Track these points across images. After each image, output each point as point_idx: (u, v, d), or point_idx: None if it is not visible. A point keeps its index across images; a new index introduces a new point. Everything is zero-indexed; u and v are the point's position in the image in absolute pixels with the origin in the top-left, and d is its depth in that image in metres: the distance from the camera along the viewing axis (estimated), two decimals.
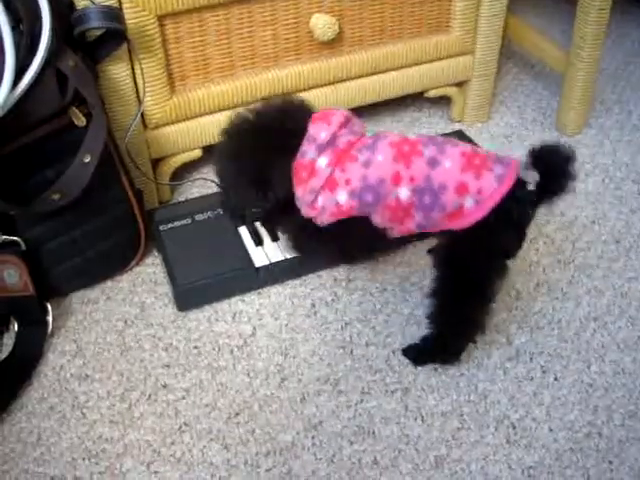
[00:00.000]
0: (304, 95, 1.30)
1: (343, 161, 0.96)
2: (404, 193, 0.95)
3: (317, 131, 0.97)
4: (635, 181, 1.39)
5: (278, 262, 1.16)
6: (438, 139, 0.98)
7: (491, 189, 0.92)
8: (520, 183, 0.93)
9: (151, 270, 1.20)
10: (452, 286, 0.99)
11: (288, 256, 1.16)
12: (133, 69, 1.16)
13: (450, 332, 1.03)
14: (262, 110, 1.01)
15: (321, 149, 0.96)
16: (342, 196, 0.96)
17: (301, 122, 0.99)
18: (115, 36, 1.08)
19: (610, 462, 0.93)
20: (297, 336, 1.09)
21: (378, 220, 0.99)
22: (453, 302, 1.00)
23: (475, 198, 0.92)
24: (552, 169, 0.93)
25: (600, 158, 1.45)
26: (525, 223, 0.97)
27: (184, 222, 1.22)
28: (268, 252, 1.17)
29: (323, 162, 0.96)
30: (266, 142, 0.98)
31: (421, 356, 1.05)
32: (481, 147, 0.98)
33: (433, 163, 0.94)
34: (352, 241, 1.06)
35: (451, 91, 1.50)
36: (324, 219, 0.99)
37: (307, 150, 0.97)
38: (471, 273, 0.96)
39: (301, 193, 0.99)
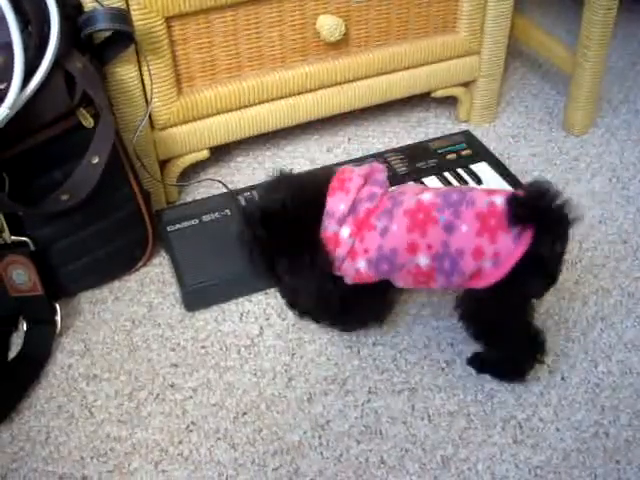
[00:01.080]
0: (311, 96, 1.32)
1: (362, 230, 0.95)
2: (423, 261, 0.93)
3: (335, 204, 0.95)
4: None
5: None
6: (454, 197, 0.93)
7: (508, 250, 0.89)
8: (542, 231, 0.89)
9: (159, 270, 1.21)
10: (485, 335, 1.00)
11: None
12: (141, 70, 1.16)
13: (507, 360, 1.03)
14: (288, 196, 0.97)
15: (341, 221, 0.95)
16: (361, 264, 0.96)
17: (320, 194, 0.97)
18: (123, 38, 1.09)
19: (617, 462, 0.93)
20: (304, 336, 1.10)
21: (401, 284, 0.99)
22: (493, 345, 1.01)
23: (492, 260, 0.90)
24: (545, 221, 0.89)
25: (607, 157, 1.45)
26: (554, 267, 0.94)
27: (192, 223, 1.22)
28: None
29: (346, 233, 0.95)
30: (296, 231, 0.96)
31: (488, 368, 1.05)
32: (500, 192, 0.94)
33: (449, 229, 0.91)
34: (362, 304, 1.06)
35: (458, 91, 1.50)
36: (347, 281, 0.99)
37: (328, 225, 0.95)
38: (498, 324, 0.97)
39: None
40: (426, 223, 0.93)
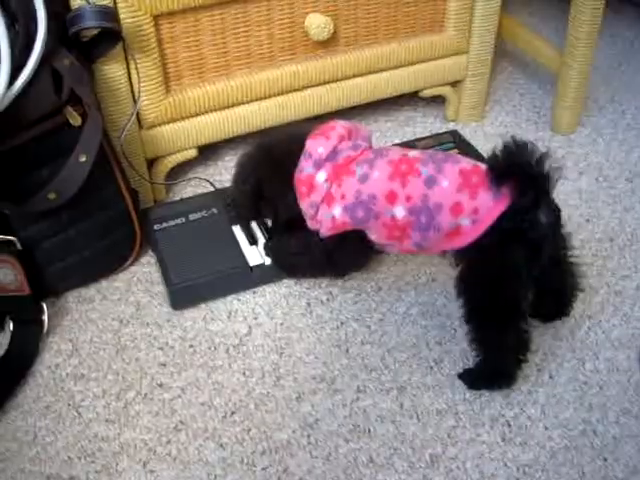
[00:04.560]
0: (299, 95, 1.32)
1: (340, 176, 0.98)
2: (400, 212, 0.95)
3: (314, 147, 1.00)
4: (628, 179, 1.39)
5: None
6: (439, 156, 0.97)
7: (487, 208, 0.90)
8: (522, 186, 0.89)
9: (146, 269, 1.20)
10: (475, 310, 0.98)
11: None
12: (128, 69, 1.16)
13: (492, 356, 1.00)
14: (271, 137, 1.11)
15: (319, 164, 0.99)
16: (337, 210, 0.99)
17: (302, 141, 1.03)
18: (110, 36, 1.08)
19: (605, 459, 0.94)
20: (292, 335, 1.09)
21: (374, 237, 1.01)
22: (481, 326, 0.98)
23: (471, 218, 0.91)
24: (523, 175, 0.89)
25: (594, 157, 1.45)
26: (537, 236, 0.91)
27: (178, 221, 1.22)
28: (262, 251, 1.17)
29: (321, 177, 0.99)
30: (268, 162, 1.06)
31: (476, 381, 1.02)
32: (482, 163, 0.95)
33: (430, 182, 0.93)
34: (345, 254, 1.08)
35: (445, 90, 1.50)
36: (323, 232, 1.02)
37: (305, 166, 0.99)
38: (489, 294, 0.95)
39: (305, 206, 1.03)
40: (408, 173, 0.95)
